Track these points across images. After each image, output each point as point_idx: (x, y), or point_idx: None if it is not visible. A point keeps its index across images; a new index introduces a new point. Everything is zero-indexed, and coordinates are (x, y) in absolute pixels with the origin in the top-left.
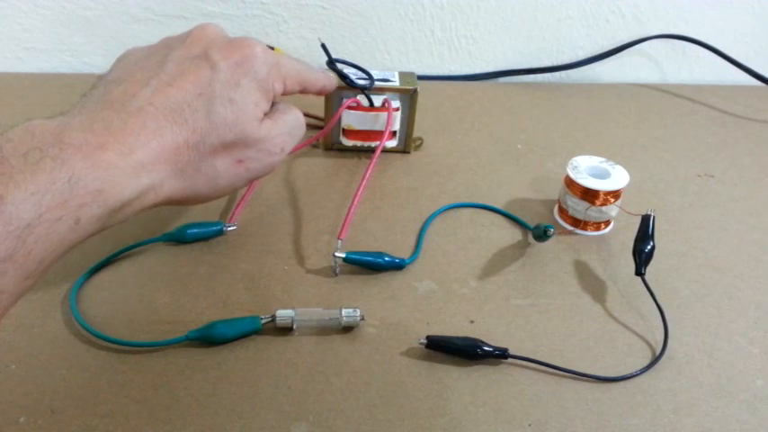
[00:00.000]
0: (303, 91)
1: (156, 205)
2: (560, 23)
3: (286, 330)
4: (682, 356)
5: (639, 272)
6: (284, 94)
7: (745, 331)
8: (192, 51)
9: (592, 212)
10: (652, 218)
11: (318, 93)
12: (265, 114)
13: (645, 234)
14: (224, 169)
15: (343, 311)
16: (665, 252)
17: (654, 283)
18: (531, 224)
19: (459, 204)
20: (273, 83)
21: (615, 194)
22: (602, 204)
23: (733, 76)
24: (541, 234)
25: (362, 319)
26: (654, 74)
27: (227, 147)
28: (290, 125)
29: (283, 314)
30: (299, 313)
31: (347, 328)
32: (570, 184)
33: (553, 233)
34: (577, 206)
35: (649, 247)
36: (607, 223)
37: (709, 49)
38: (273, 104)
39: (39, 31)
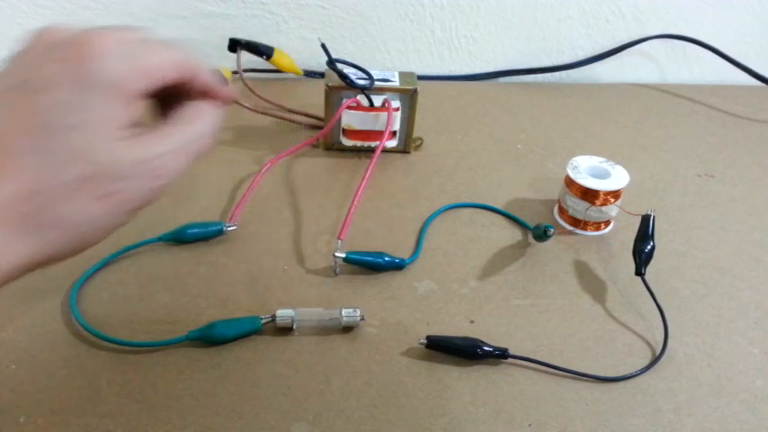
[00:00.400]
0: (190, 83)
1: (14, 277)
2: (560, 23)
3: (286, 330)
4: (682, 356)
5: (639, 272)
6: (158, 90)
7: (745, 331)
8: (18, 73)
9: (592, 212)
10: (652, 218)
11: (210, 93)
12: (137, 125)
13: (645, 234)
14: (84, 211)
15: (343, 311)
16: (665, 252)
17: (654, 283)
18: (531, 224)
19: (459, 204)
20: (133, 82)
21: (615, 194)
22: (602, 204)
23: (733, 76)
24: (541, 234)
25: (362, 319)
26: (654, 74)
27: (80, 184)
28: (183, 140)
29: (283, 314)
30: (299, 313)
31: (347, 328)
32: (570, 184)
33: (553, 233)
34: (577, 206)
35: (649, 247)
36: (607, 223)
37: (709, 49)
38: (175, 109)
39: None
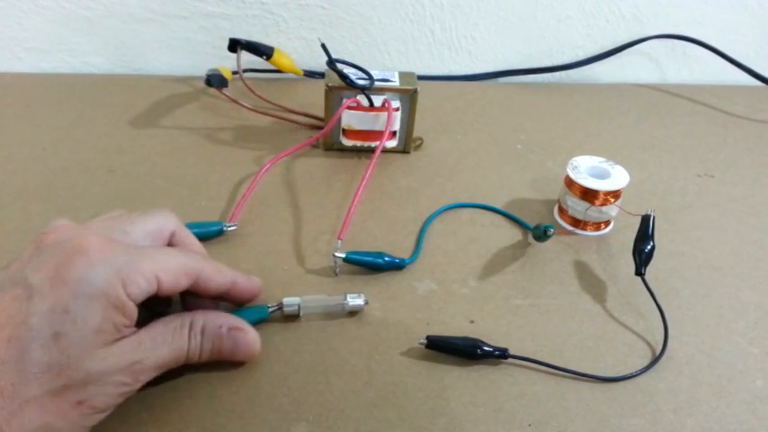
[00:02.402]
0: (201, 289)
1: None
2: (560, 23)
3: (291, 319)
4: (682, 356)
5: (639, 272)
6: (164, 292)
7: (745, 331)
8: (12, 271)
9: (592, 212)
10: (652, 218)
11: (231, 296)
12: (122, 330)
13: (645, 234)
14: (57, 419)
15: (348, 297)
16: (665, 252)
17: (654, 283)
18: (531, 224)
19: (459, 204)
20: (126, 287)
21: (615, 194)
22: (602, 204)
23: (733, 76)
24: (541, 234)
25: (366, 303)
26: (654, 74)
27: (57, 393)
28: (163, 350)
29: (290, 302)
30: (304, 300)
31: (350, 317)
32: (570, 184)
33: (553, 233)
34: (577, 206)
35: (649, 247)
36: (607, 223)
37: (709, 49)
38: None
39: (39, 31)
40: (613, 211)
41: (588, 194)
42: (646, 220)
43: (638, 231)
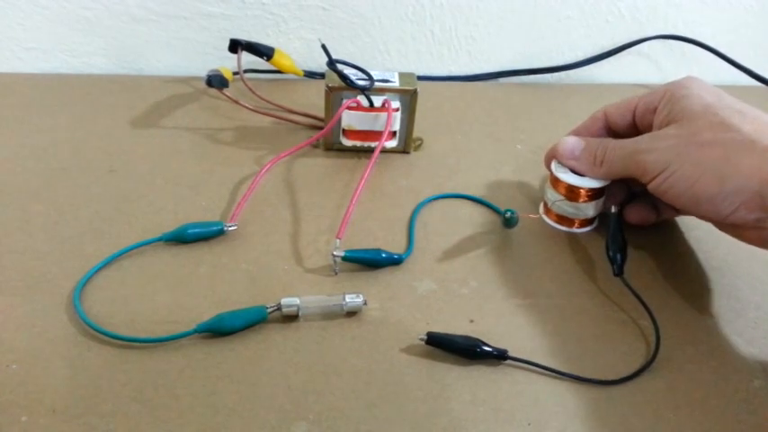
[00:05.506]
0: None
1: None
2: (560, 23)
3: (291, 319)
4: (681, 356)
5: (618, 272)
6: None
7: (745, 331)
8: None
9: (564, 205)
10: (616, 214)
11: None
12: None
13: (614, 233)
14: None
15: (347, 297)
16: (665, 252)
17: (653, 283)
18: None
19: (452, 195)
20: None
21: (599, 191)
22: (584, 201)
23: (733, 76)
24: (506, 221)
25: (365, 303)
26: (654, 74)
27: None
28: None
29: (288, 302)
30: (303, 301)
31: (349, 317)
32: (555, 180)
33: (517, 216)
34: (551, 196)
35: (622, 245)
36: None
37: (708, 50)
38: None
39: (39, 31)
40: (591, 209)
41: (572, 192)
42: (610, 218)
43: (608, 231)
